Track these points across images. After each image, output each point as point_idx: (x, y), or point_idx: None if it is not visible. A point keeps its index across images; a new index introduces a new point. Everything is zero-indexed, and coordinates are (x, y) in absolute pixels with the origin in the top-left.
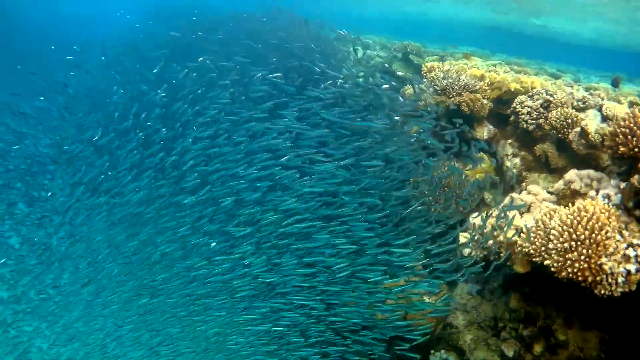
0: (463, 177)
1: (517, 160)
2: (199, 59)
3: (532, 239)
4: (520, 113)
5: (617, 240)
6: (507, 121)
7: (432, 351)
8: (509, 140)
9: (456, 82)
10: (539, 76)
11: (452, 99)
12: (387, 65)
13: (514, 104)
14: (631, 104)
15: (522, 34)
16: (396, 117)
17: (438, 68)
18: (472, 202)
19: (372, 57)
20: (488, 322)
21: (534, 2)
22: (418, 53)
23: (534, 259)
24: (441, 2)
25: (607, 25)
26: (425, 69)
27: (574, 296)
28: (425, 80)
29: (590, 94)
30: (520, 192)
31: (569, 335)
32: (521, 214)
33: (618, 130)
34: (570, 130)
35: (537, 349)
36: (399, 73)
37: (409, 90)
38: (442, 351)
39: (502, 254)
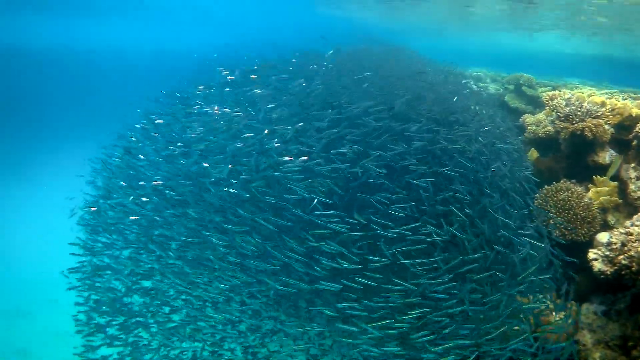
0: (586, 200)
1: None
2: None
3: None
4: None
5: None
6: (628, 146)
7: None
8: (632, 164)
9: (579, 109)
10: None
11: (576, 124)
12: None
13: (637, 128)
14: None
15: (628, 64)
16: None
17: (560, 96)
18: (596, 224)
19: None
20: (616, 342)
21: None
22: (530, 85)
23: None
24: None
25: None
26: (547, 97)
27: None
28: (547, 108)
29: None
30: None
31: None
32: None
33: None
34: None
35: None
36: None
37: (528, 119)
38: None
39: (633, 268)
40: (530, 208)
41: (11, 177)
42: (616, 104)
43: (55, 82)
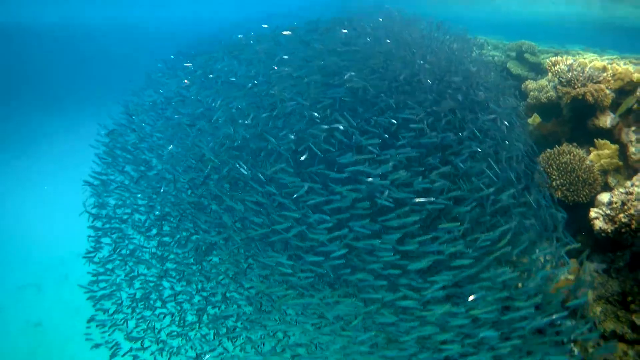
0: (588, 162)
1: None
2: None
3: None
4: None
5: None
6: (629, 110)
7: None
8: (633, 128)
9: (581, 74)
10: None
11: (578, 89)
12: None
13: (638, 92)
14: None
15: (631, 30)
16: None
17: (562, 62)
18: (597, 186)
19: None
20: (616, 297)
21: None
22: (532, 52)
23: None
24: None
25: None
26: (549, 62)
27: None
28: (549, 73)
29: None
30: None
31: None
32: None
33: None
34: None
35: None
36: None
37: (530, 85)
38: (573, 322)
39: (632, 226)
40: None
41: (22, 153)
42: (617, 69)
43: (62, 57)
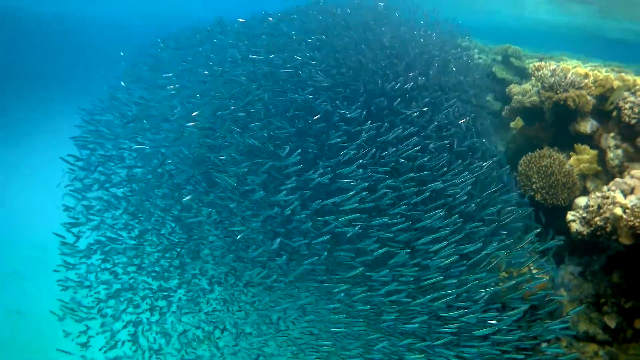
0: (567, 166)
1: (619, 152)
2: None
3: (637, 213)
4: (623, 108)
5: None
6: (609, 117)
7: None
8: (611, 134)
9: (563, 80)
10: None
11: (559, 94)
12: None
13: (617, 99)
14: None
15: (618, 39)
16: None
17: (545, 67)
18: (576, 190)
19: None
20: (590, 299)
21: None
22: (518, 56)
23: (638, 232)
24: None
25: None
26: (533, 67)
27: None
28: (533, 78)
29: None
30: (623, 178)
31: None
32: (625, 195)
33: None
34: None
35: (639, 324)
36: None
37: (514, 89)
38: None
39: (608, 229)
40: None
41: (19, 140)
42: (598, 76)
43: (57, 47)
